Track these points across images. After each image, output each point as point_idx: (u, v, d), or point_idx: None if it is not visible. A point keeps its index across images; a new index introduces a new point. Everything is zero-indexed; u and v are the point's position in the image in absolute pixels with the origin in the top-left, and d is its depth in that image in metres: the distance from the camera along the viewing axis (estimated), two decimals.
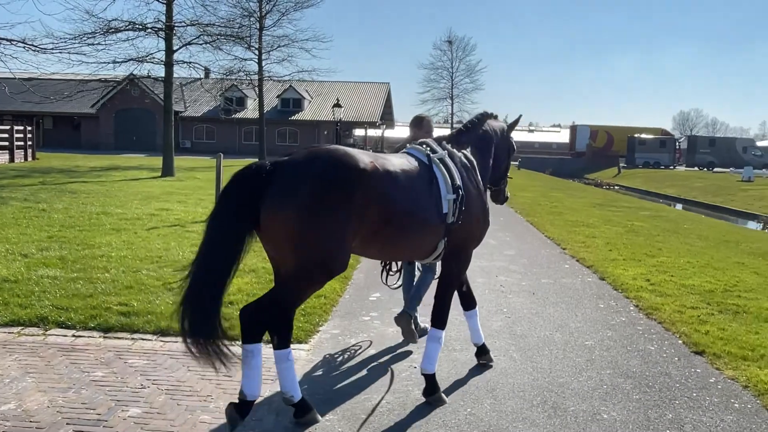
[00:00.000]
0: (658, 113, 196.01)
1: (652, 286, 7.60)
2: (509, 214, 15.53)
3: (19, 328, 5.24)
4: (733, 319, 6.27)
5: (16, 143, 27.32)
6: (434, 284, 4.62)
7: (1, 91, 21.50)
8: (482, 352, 4.86)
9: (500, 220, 13.63)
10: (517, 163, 48.68)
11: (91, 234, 9.52)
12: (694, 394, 4.42)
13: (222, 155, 12.50)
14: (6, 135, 26.68)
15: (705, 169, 54.58)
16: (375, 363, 4.87)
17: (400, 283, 5.47)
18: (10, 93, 21.92)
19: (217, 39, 25.27)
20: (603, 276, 8.23)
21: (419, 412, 3.99)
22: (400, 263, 5.30)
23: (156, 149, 40.13)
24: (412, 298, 5.30)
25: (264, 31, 35.06)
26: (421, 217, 3.91)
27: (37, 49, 17.61)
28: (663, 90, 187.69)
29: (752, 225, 23.96)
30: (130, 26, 22.70)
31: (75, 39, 20.69)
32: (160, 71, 24.86)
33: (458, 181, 4.10)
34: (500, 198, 5.21)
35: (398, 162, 3.91)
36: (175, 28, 23.42)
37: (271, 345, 3.72)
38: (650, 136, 60.02)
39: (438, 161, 4.12)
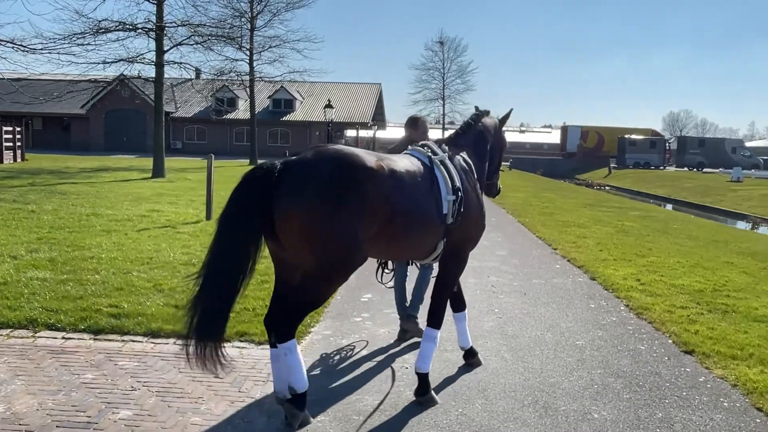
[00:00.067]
0: (649, 114, 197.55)
1: (642, 286, 7.65)
2: (501, 215, 15.57)
3: (8, 330, 5.20)
4: (723, 318, 6.32)
5: (5, 144, 27.15)
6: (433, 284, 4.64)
7: None
8: (470, 354, 4.89)
9: (492, 221, 13.60)
10: (508, 163, 48.80)
11: (81, 235, 9.46)
12: (684, 393, 4.45)
13: (213, 156, 12.49)
14: None
15: (695, 170, 54.91)
16: (367, 364, 4.87)
17: (392, 283, 5.49)
18: None
19: (208, 39, 25.24)
20: (594, 276, 8.27)
21: (411, 413, 4.00)
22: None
23: (146, 150, 39.90)
24: (414, 298, 5.45)
25: (255, 32, 35.12)
26: (423, 217, 3.96)
27: (27, 49, 17.54)
28: (653, 91, 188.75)
29: (741, 225, 24.10)
30: (120, 26, 22.59)
31: (65, 39, 20.59)
32: (150, 72, 24.79)
33: (458, 183, 4.16)
34: (493, 191, 5.30)
35: (402, 163, 3.98)
36: (166, 28, 23.33)
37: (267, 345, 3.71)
38: (640, 137, 60.35)
39: (439, 163, 4.18)
